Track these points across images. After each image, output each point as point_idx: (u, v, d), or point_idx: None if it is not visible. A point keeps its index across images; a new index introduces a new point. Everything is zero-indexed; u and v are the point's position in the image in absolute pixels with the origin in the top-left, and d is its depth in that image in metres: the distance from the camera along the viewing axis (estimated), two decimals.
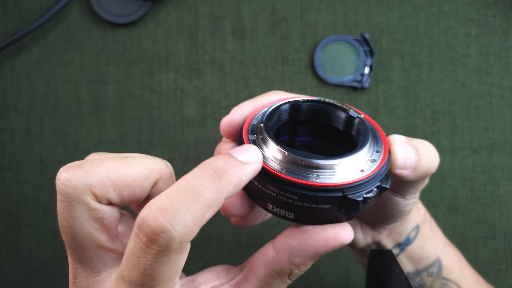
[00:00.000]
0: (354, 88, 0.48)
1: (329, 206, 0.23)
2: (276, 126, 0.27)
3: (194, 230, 0.21)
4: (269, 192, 0.24)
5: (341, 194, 0.23)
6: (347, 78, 0.47)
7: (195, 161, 0.48)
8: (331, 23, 0.48)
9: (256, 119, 0.27)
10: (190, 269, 0.49)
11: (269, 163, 0.24)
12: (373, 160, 0.25)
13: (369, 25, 0.48)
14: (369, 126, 0.27)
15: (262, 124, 0.25)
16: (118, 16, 0.48)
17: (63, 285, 0.47)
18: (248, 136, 0.26)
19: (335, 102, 0.28)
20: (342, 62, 0.48)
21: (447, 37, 0.48)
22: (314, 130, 0.29)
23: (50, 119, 0.48)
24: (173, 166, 0.49)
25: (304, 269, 0.25)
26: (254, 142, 0.25)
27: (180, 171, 0.48)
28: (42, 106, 0.48)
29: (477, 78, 0.48)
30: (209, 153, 0.48)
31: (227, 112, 0.48)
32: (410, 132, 0.48)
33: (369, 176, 0.24)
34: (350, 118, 0.27)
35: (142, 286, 0.21)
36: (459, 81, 0.48)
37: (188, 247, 0.22)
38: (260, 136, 0.25)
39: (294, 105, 0.28)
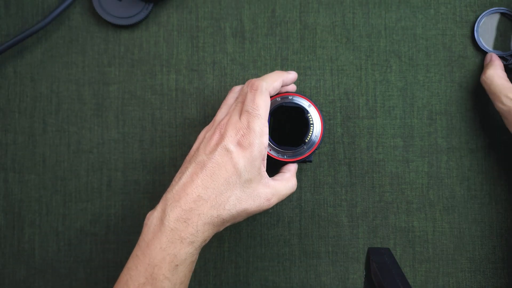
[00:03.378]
0: None
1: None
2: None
3: (271, 86, 0.40)
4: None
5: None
6: (496, 51, 0.49)
7: None
8: (330, 25, 0.49)
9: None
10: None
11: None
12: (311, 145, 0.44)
13: (367, 27, 0.49)
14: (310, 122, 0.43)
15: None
16: (120, 18, 0.48)
17: (66, 284, 0.48)
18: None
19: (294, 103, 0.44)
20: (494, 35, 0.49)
21: (444, 39, 0.49)
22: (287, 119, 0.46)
23: (53, 119, 0.48)
24: (174, 165, 0.50)
25: None
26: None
27: None
28: (45, 107, 0.48)
29: (474, 78, 0.49)
30: None
31: None
32: (408, 132, 0.48)
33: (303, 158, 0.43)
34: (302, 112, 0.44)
35: (252, 111, 0.38)
36: (456, 82, 0.49)
37: (268, 98, 0.40)
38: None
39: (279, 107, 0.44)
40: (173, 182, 0.39)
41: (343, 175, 0.48)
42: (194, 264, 0.38)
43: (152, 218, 0.37)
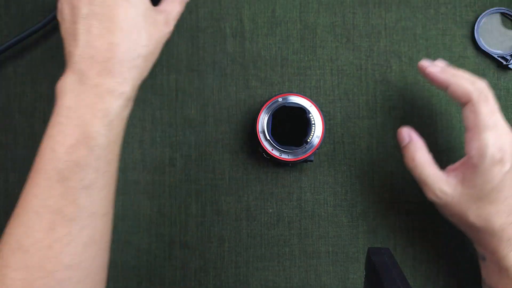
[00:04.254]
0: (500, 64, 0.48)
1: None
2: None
3: None
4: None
5: (290, 164, 0.46)
6: (497, 51, 0.48)
7: (196, 161, 0.48)
8: (330, 24, 0.49)
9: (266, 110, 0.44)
10: (190, 266, 0.50)
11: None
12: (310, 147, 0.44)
13: (367, 27, 0.49)
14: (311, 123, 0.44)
15: (266, 131, 0.44)
16: None
17: None
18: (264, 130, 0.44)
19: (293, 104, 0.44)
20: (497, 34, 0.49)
21: (444, 39, 0.49)
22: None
23: None
24: (175, 165, 0.50)
25: None
26: (263, 133, 0.44)
27: (181, 170, 0.48)
28: (46, 107, 0.48)
29: None
30: (210, 153, 0.48)
31: (228, 113, 0.48)
32: None
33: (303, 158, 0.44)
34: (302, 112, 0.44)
35: None
36: None
37: None
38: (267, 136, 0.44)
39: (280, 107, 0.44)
40: (71, 48, 0.36)
41: (343, 175, 0.48)
42: (127, 122, 0.37)
43: (66, 83, 0.35)
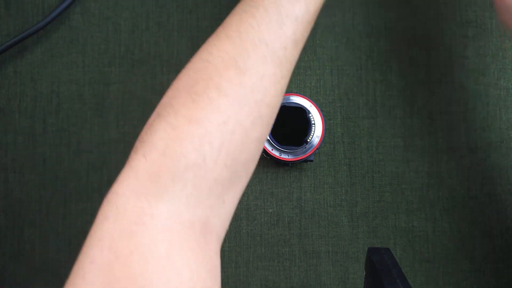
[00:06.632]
0: None
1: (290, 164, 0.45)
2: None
3: None
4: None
5: (290, 164, 0.46)
6: None
7: None
8: (330, 24, 0.49)
9: None
10: None
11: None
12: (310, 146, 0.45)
13: (367, 27, 0.49)
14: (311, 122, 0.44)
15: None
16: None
17: None
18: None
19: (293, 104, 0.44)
20: None
21: (444, 39, 0.49)
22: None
23: (53, 119, 0.48)
24: None
25: None
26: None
27: None
28: (45, 107, 0.48)
29: (474, 79, 0.49)
30: None
31: None
32: (408, 132, 0.48)
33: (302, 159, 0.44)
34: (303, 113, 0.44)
35: None
36: (456, 82, 0.49)
37: None
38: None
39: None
40: None
41: (343, 175, 0.48)
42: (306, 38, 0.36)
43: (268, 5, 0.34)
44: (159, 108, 0.32)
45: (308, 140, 0.44)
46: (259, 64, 0.32)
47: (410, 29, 0.49)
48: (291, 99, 0.44)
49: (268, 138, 0.44)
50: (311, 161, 0.45)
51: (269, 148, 0.44)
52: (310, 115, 0.44)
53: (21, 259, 0.48)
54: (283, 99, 0.44)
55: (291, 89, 0.49)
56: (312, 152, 0.44)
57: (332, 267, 0.48)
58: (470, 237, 0.48)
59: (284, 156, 0.44)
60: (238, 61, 0.31)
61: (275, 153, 0.44)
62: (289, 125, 0.45)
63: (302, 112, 0.44)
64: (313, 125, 0.44)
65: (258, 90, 0.32)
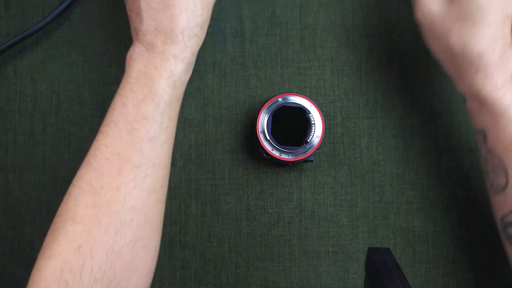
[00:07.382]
0: None
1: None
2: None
3: None
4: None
5: (290, 164, 0.46)
6: None
7: (196, 160, 0.48)
8: (330, 25, 0.49)
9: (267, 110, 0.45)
10: (190, 266, 0.50)
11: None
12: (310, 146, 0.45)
13: (367, 27, 0.49)
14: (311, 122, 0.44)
15: (266, 131, 0.44)
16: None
17: None
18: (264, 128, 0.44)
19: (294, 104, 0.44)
20: None
21: None
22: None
23: (53, 119, 0.48)
24: (175, 165, 0.50)
25: None
26: (263, 133, 0.44)
27: (181, 170, 0.48)
28: (45, 107, 0.48)
29: None
30: (210, 153, 0.48)
31: (228, 113, 0.48)
32: (408, 132, 0.48)
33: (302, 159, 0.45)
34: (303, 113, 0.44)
35: None
36: None
37: None
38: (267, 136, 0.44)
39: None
40: (136, 24, 0.39)
41: (343, 175, 0.48)
42: (185, 86, 0.41)
43: (135, 52, 0.39)
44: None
45: (308, 140, 0.44)
46: (114, 177, 0.37)
47: (410, 29, 0.49)
48: (291, 99, 0.44)
49: (268, 138, 0.44)
50: (311, 161, 0.45)
51: (269, 148, 0.44)
52: (310, 115, 0.44)
53: (21, 259, 0.48)
54: (283, 99, 0.44)
55: (291, 89, 0.49)
56: (312, 152, 0.44)
57: (332, 267, 0.48)
58: (470, 237, 0.48)
59: (284, 156, 0.44)
60: (94, 184, 0.37)
61: (275, 153, 0.44)
62: (289, 125, 0.45)
63: (302, 112, 0.44)
64: (313, 125, 0.44)
65: (115, 202, 0.37)
